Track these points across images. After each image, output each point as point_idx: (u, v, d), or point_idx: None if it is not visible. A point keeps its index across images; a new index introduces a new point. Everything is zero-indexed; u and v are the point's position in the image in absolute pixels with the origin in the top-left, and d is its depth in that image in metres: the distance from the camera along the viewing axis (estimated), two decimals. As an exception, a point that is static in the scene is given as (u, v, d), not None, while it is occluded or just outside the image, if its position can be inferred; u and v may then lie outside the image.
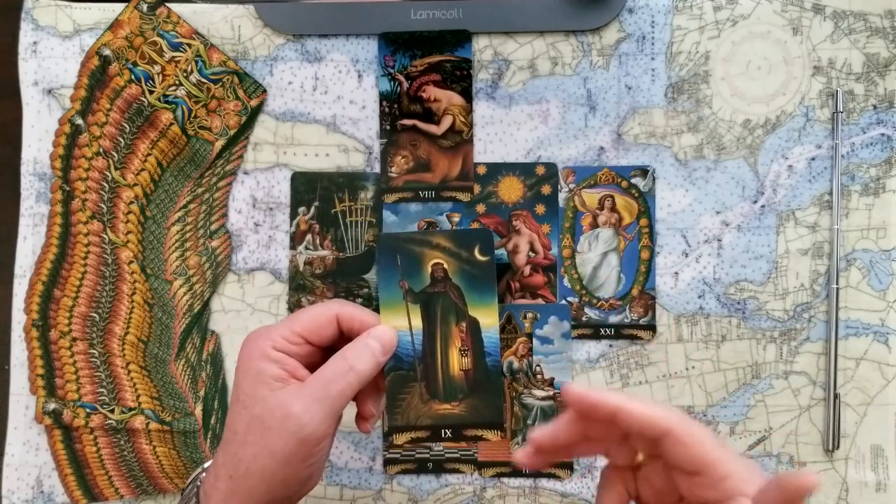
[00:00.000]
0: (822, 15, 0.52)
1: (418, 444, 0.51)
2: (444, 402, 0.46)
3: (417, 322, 0.46)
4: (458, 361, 0.46)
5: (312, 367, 0.42)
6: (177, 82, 0.53)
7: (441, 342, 0.46)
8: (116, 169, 0.53)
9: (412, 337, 0.46)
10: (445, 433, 0.47)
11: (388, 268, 0.46)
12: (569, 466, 0.53)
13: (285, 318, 0.44)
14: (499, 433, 0.47)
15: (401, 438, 0.46)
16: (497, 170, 0.54)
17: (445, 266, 0.46)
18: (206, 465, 0.44)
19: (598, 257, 0.53)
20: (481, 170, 0.54)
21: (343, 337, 0.44)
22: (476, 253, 0.46)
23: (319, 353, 0.43)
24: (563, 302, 0.53)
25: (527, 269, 0.54)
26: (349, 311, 0.43)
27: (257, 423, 0.40)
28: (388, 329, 0.44)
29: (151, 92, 0.53)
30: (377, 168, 0.54)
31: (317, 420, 0.40)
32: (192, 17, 0.54)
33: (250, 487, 0.40)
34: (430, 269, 0.46)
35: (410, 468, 0.53)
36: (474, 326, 0.46)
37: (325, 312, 0.43)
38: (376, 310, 0.46)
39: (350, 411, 0.44)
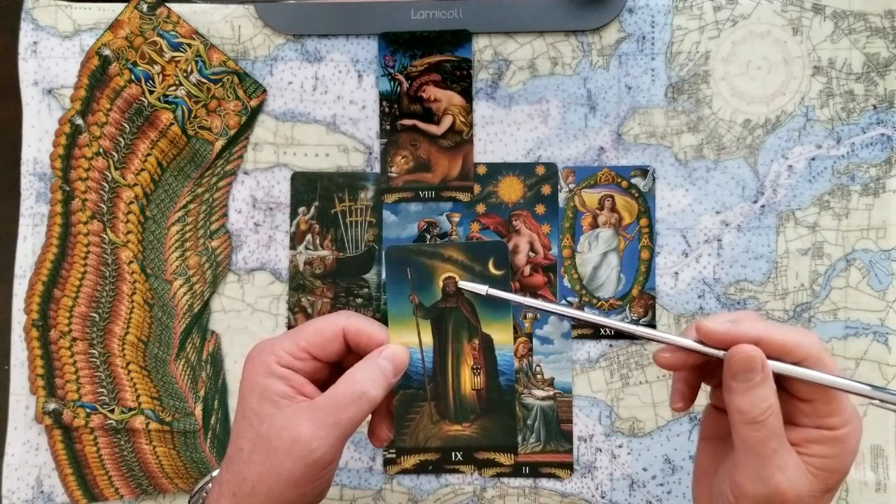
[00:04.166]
0: (822, 15, 0.52)
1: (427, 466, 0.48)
2: (455, 423, 0.44)
3: (428, 338, 0.44)
4: (470, 380, 0.44)
5: (319, 382, 0.41)
6: (177, 82, 0.53)
7: (452, 360, 0.44)
8: (116, 169, 0.53)
9: (422, 354, 0.44)
10: (456, 456, 0.44)
11: (397, 282, 0.44)
12: (569, 466, 0.53)
13: (289, 331, 0.42)
14: (512, 456, 0.44)
15: (409, 461, 0.44)
16: (497, 170, 0.54)
17: (458, 280, 0.44)
18: (213, 473, 0.43)
19: (598, 257, 0.53)
20: (481, 170, 0.54)
21: (350, 351, 0.42)
22: (490, 266, 0.44)
23: (326, 369, 0.42)
24: (564, 302, 0.53)
25: (527, 269, 0.54)
26: (356, 324, 0.41)
27: (263, 442, 0.39)
28: (401, 348, 0.42)
29: (151, 92, 0.53)
30: (377, 168, 0.54)
31: (326, 445, 0.38)
32: (192, 17, 0.54)
33: None
34: (441, 284, 0.44)
35: (410, 468, 0.53)
36: (487, 343, 0.44)
37: (331, 326, 0.41)
38: (376, 313, 0.44)
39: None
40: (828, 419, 0.36)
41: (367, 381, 0.40)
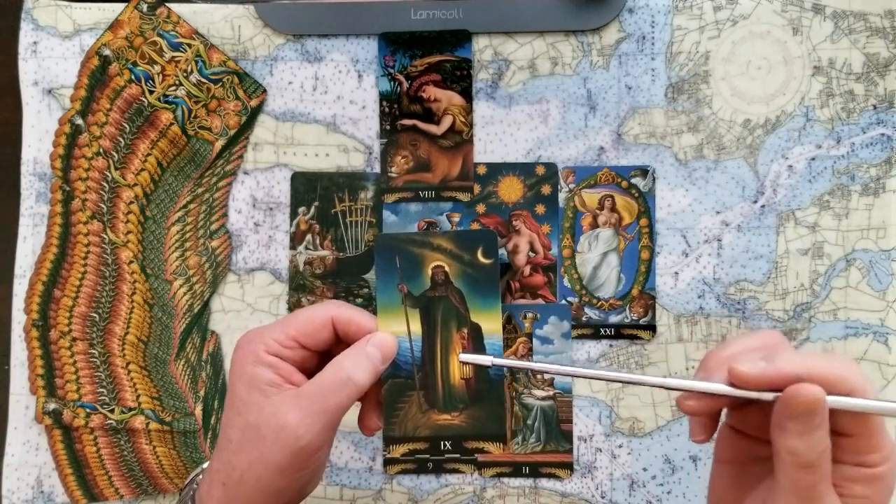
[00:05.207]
0: (822, 15, 0.52)
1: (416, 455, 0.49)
2: (444, 413, 0.44)
3: (416, 327, 0.44)
4: (458, 370, 0.44)
5: (307, 371, 0.41)
6: (177, 82, 0.53)
7: (441, 349, 0.44)
8: (116, 169, 0.53)
9: (411, 343, 0.44)
10: (445, 445, 0.45)
11: (386, 270, 0.44)
12: (569, 466, 0.53)
13: (279, 319, 0.42)
14: (501, 445, 0.45)
15: (398, 450, 0.45)
16: (497, 170, 0.54)
17: (447, 269, 0.44)
18: (204, 465, 0.43)
19: (598, 257, 0.53)
20: (481, 170, 0.54)
21: (339, 340, 0.42)
22: (479, 255, 0.44)
23: (315, 358, 0.42)
24: (563, 302, 0.53)
25: (527, 269, 0.54)
26: (345, 313, 0.42)
27: (252, 430, 0.39)
28: (389, 336, 0.42)
29: (151, 92, 0.53)
30: (377, 168, 0.54)
31: (313, 432, 0.38)
32: (192, 17, 0.54)
33: (245, 496, 0.39)
34: (430, 272, 0.44)
35: (410, 468, 0.53)
36: (476, 333, 0.44)
37: (320, 315, 0.41)
38: (375, 311, 0.45)
39: (352, 411, 0.44)
40: (868, 455, 0.34)
41: (353, 367, 0.40)
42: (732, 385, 0.35)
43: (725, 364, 0.35)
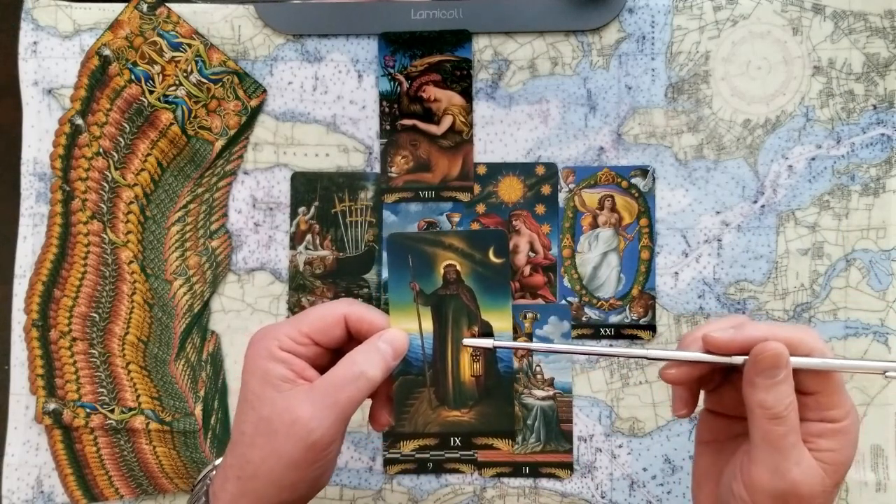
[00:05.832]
0: (822, 15, 0.52)
1: (426, 451, 0.49)
2: (454, 409, 0.45)
3: (428, 325, 0.44)
4: (469, 367, 0.44)
5: (320, 368, 0.42)
6: (177, 82, 0.53)
7: (452, 346, 0.44)
8: (116, 169, 0.53)
9: (422, 340, 0.44)
10: (454, 441, 0.45)
11: (398, 268, 0.44)
12: (569, 466, 0.53)
13: (292, 317, 0.42)
14: (510, 442, 0.45)
15: (408, 446, 0.45)
16: (497, 170, 0.54)
17: (458, 267, 0.44)
18: (216, 462, 0.43)
19: (598, 257, 0.53)
20: (481, 170, 0.54)
21: (351, 338, 0.43)
22: (490, 254, 0.44)
23: (327, 355, 0.42)
24: (563, 302, 0.53)
25: (527, 269, 0.54)
26: (357, 311, 0.42)
27: (265, 425, 0.39)
28: (400, 332, 0.43)
29: (151, 92, 0.53)
30: (377, 168, 0.54)
31: (325, 426, 0.39)
32: (192, 17, 0.54)
33: (258, 490, 0.39)
34: (442, 271, 0.44)
35: (410, 468, 0.53)
36: (486, 330, 0.44)
37: (333, 312, 0.42)
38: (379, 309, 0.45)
39: (358, 410, 0.44)
40: (831, 411, 0.37)
41: (365, 362, 0.41)
42: (708, 352, 0.39)
43: (700, 339, 0.39)
